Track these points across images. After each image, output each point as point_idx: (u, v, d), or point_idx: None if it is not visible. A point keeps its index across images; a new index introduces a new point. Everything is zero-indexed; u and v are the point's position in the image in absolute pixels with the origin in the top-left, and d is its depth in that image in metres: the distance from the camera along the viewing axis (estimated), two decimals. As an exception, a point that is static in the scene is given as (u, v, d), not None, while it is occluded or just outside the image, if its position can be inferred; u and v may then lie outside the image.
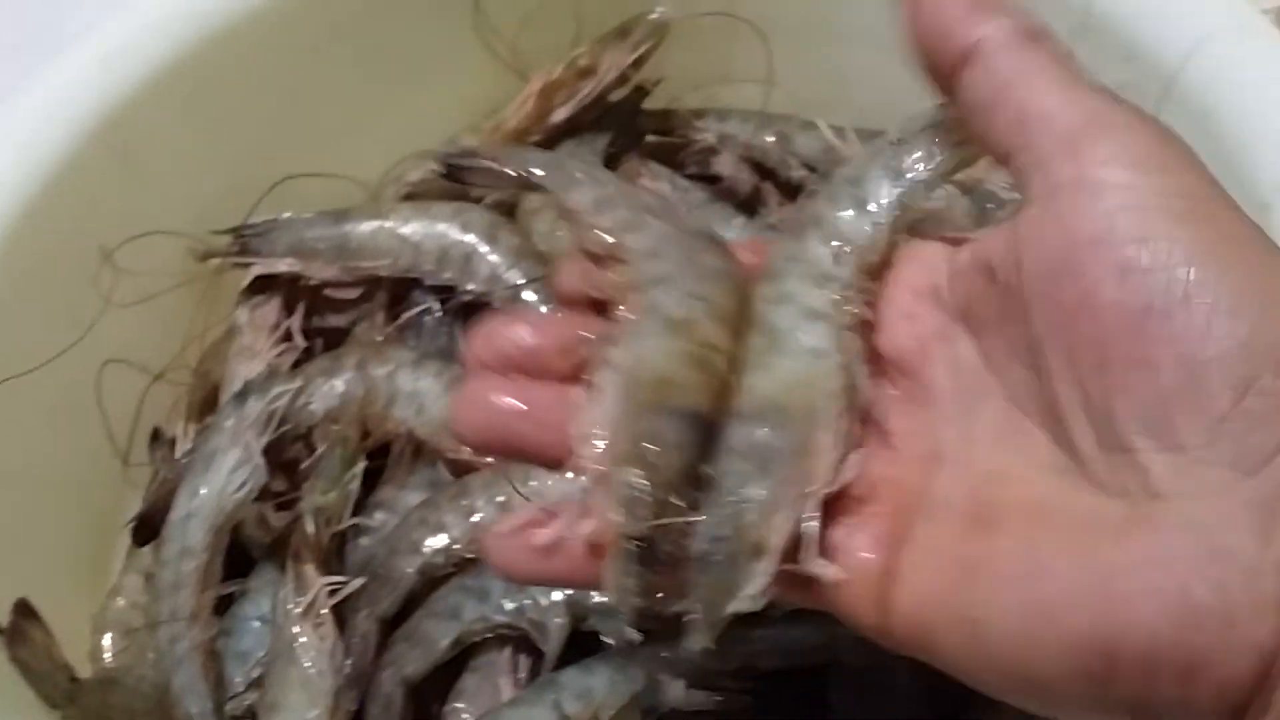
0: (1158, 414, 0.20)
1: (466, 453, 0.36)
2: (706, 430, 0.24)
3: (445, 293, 0.39)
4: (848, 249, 0.25)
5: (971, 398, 0.24)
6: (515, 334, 0.25)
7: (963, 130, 0.25)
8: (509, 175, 0.28)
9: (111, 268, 0.37)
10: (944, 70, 0.23)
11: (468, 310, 0.39)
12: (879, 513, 0.23)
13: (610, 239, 0.26)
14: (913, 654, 0.22)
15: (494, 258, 0.39)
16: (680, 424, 0.23)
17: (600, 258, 0.26)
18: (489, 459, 0.35)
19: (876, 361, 0.25)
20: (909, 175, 0.26)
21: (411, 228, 0.39)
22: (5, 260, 0.34)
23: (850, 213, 0.26)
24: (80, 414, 0.36)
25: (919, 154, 0.26)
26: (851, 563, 0.22)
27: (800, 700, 0.31)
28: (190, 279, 0.39)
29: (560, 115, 0.41)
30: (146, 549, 0.36)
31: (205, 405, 0.39)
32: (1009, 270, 0.22)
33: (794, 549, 0.23)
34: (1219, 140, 0.30)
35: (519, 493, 0.33)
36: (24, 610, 0.31)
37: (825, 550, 0.23)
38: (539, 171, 0.28)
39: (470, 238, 0.39)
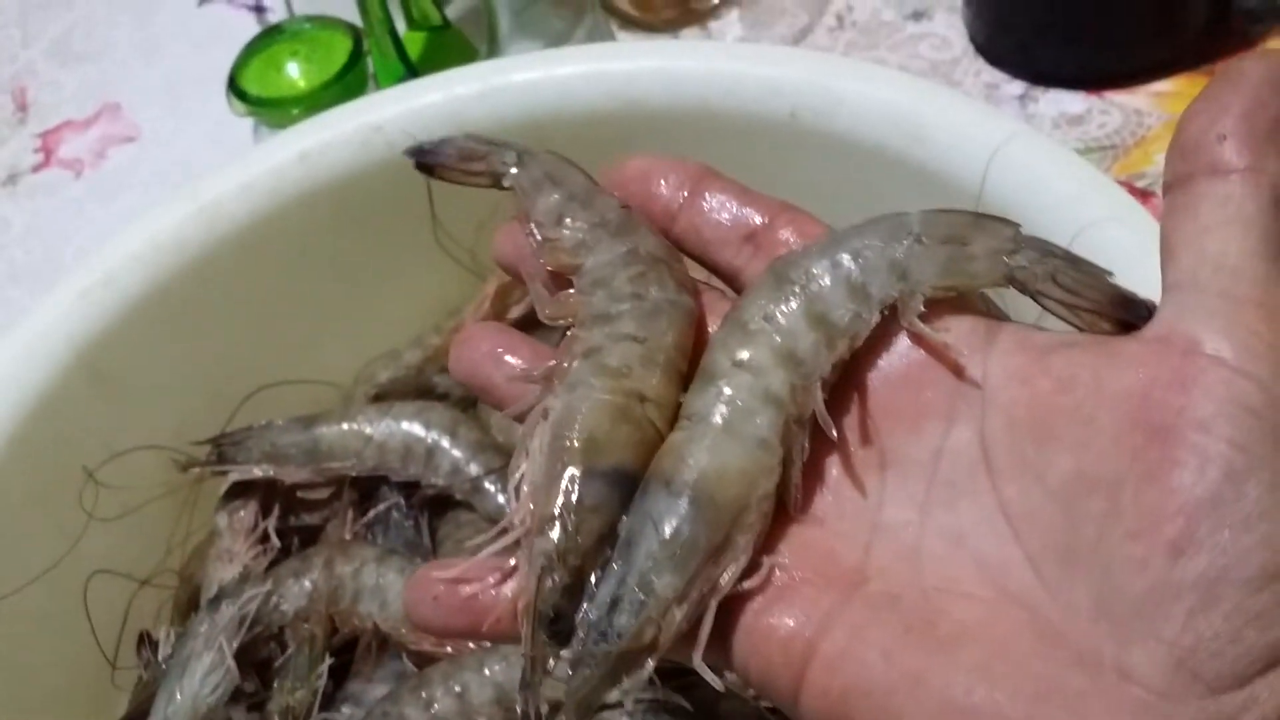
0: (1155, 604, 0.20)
1: (429, 643, 0.37)
2: (632, 485, 0.24)
3: (411, 489, 0.41)
4: (829, 339, 0.24)
5: (952, 487, 0.23)
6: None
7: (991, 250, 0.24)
8: (479, 149, 0.29)
9: (94, 485, 0.39)
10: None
11: (433, 504, 0.41)
12: (809, 583, 0.23)
13: (564, 258, 0.27)
14: None
15: (455, 452, 0.41)
16: (604, 485, 0.23)
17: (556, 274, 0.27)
18: (448, 649, 0.37)
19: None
20: (916, 277, 0.24)
21: (376, 428, 0.41)
22: (-3, 484, 0.37)
23: (843, 295, 0.25)
24: (69, 622, 0.38)
25: (933, 259, 0.25)
26: (769, 630, 0.22)
27: None
28: (172, 489, 0.42)
29: (515, 313, 0.44)
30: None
31: (189, 606, 0.41)
32: (1085, 392, 0.22)
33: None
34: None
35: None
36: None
37: (739, 611, 0.22)
38: (510, 158, 0.29)
39: (432, 435, 0.41)
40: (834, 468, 0.24)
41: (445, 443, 0.41)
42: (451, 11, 0.52)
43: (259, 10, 0.67)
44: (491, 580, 0.24)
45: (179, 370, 0.41)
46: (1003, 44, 0.56)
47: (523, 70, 0.42)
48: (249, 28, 0.66)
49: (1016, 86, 0.54)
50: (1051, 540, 0.22)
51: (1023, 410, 0.23)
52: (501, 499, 0.39)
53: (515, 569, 0.24)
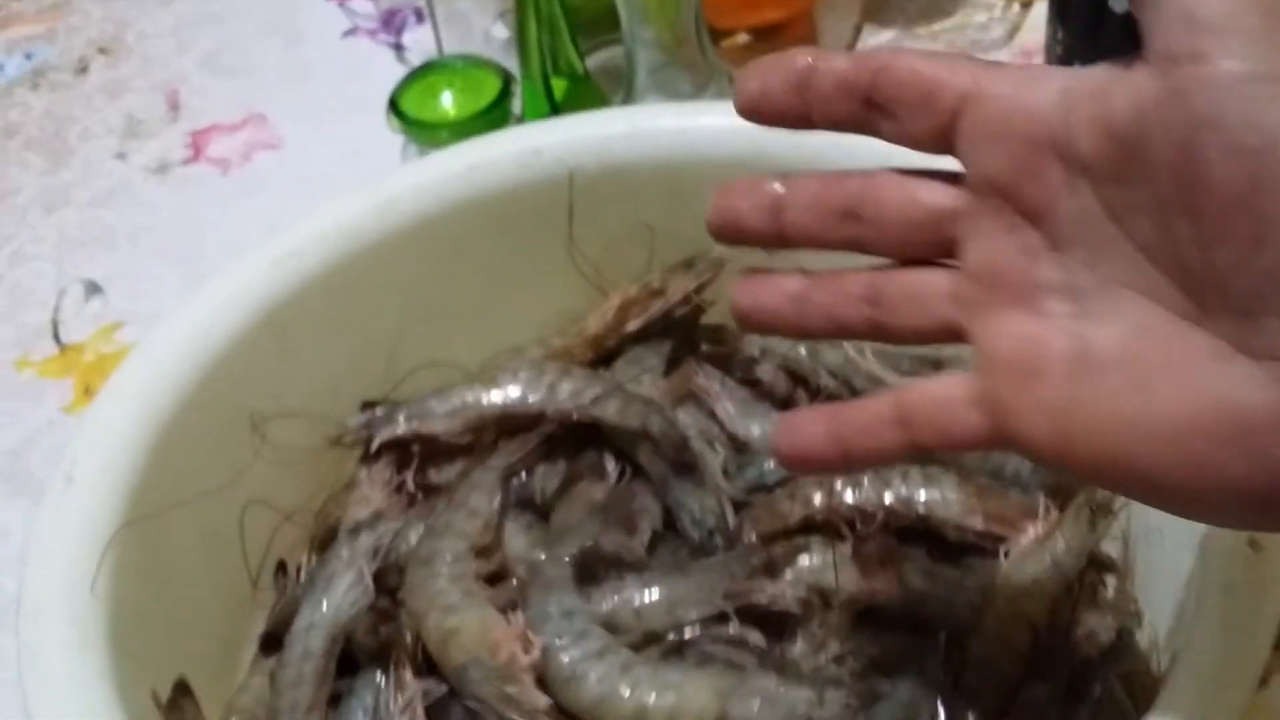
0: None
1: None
2: None
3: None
4: None
5: (1094, 241, 0.25)
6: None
7: None
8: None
9: (260, 430, 0.45)
10: None
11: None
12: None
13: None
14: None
15: (570, 383, 0.46)
16: None
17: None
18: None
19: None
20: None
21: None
22: (184, 415, 0.42)
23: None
24: (225, 541, 0.44)
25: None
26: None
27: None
28: (322, 445, 0.48)
29: (633, 325, 0.50)
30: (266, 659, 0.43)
31: (323, 543, 0.47)
32: (1133, 133, 0.24)
33: None
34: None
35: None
36: (182, 688, 0.38)
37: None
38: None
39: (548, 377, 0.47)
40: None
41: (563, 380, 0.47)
42: (591, 63, 0.59)
43: (398, 48, 0.74)
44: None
45: (344, 343, 0.48)
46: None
47: (667, 118, 0.49)
48: (387, 61, 0.73)
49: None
50: (1175, 259, 0.24)
51: (1102, 161, 0.25)
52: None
53: None
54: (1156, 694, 0.33)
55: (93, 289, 0.63)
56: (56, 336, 0.61)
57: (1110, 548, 0.42)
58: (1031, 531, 0.41)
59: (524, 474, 0.46)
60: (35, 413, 0.58)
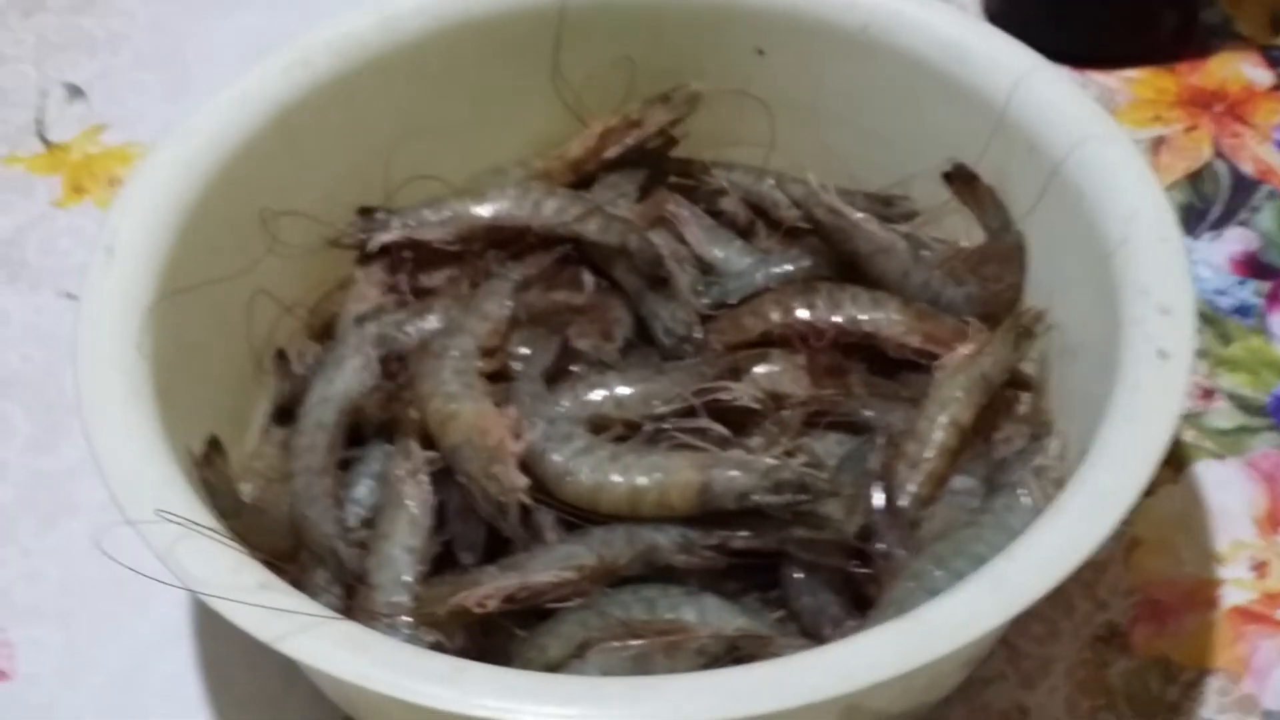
0: None
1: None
2: None
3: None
4: None
5: None
6: None
7: None
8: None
9: (270, 227, 0.49)
10: None
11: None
12: None
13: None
14: None
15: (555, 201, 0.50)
16: None
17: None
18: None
19: None
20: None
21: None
22: (204, 209, 0.45)
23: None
24: (234, 323, 0.48)
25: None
26: None
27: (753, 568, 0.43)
28: (321, 245, 0.51)
29: (611, 153, 0.54)
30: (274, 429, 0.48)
31: (319, 335, 0.51)
32: None
33: None
34: (1083, 206, 0.43)
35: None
36: (214, 444, 0.43)
37: None
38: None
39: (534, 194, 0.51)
40: None
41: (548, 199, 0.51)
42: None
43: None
44: None
45: (345, 151, 0.51)
46: (1010, 18, 0.67)
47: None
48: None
49: (1018, 53, 0.66)
50: None
51: None
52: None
53: None
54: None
55: (75, 92, 0.65)
56: (42, 135, 0.63)
57: (1029, 368, 0.48)
58: (963, 350, 0.47)
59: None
60: (27, 204, 0.60)
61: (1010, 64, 0.47)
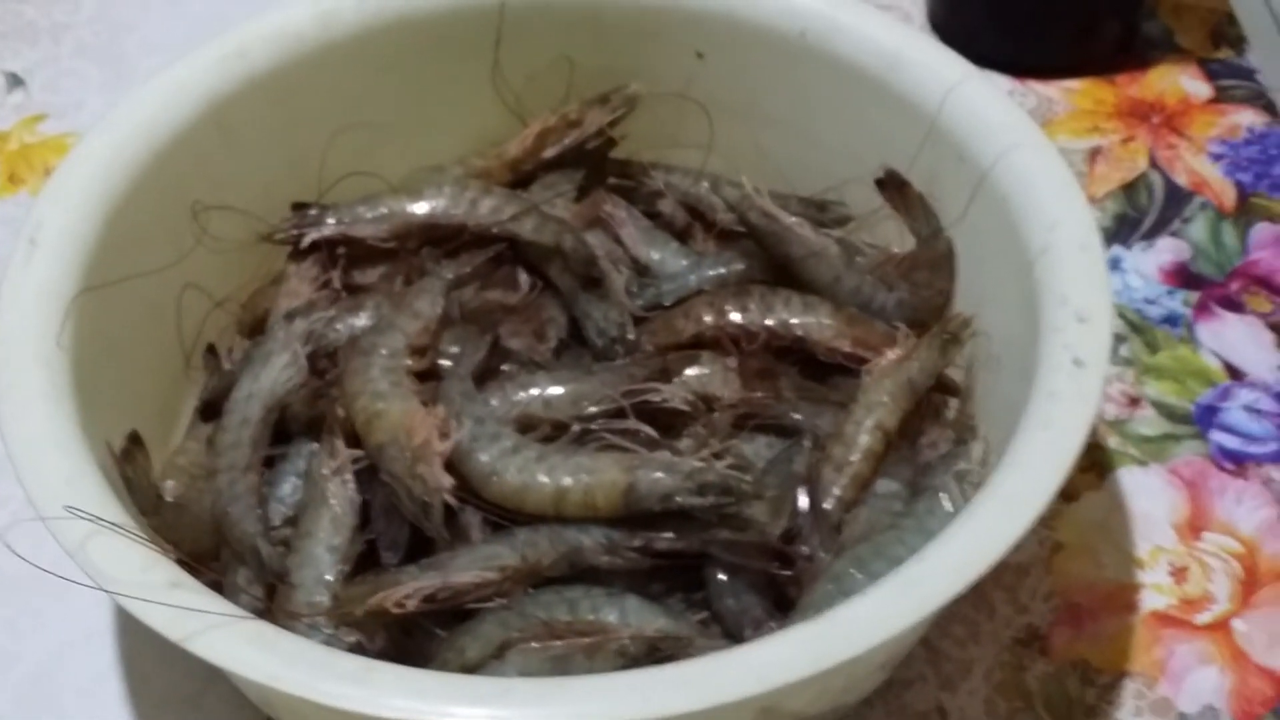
0: None
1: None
2: None
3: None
4: None
5: None
6: None
7: None
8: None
9: (201, 220, 0.48)
10: None
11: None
12: None
13: None
14: None
15: (491, 200, 0.50)
16: None
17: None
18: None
19: None
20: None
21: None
22: (133, 200, 0.45)
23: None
24: (163, 318, 0.48)
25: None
26: None
27: (679, 570, 0.43)
28: (254, 240, 0.51)
29: (549, 153, 0.54)
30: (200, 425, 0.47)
31: (250, 331, 0.51)
32: None
33: None
34: (1009, 213, 0.44)
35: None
36: (135, 439, 0.42)
37: None
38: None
39: (470, 193, 0.50)
40: None
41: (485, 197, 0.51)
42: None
43: None
44: None
45: (280, 145, 0.51)
46: (953, 26, 0.68)
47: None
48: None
49: (960, 61, 0.66)
50: None
51: None
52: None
53: None
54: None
55: (14, 81, 0.65)
56: (-22, 124, 0.63)
57: (956, 374, 0.48)
58: (891, 355, 0.47)
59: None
60: (-39, 195, 0.60)
61: (942, 73, 0.48)
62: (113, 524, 0.35)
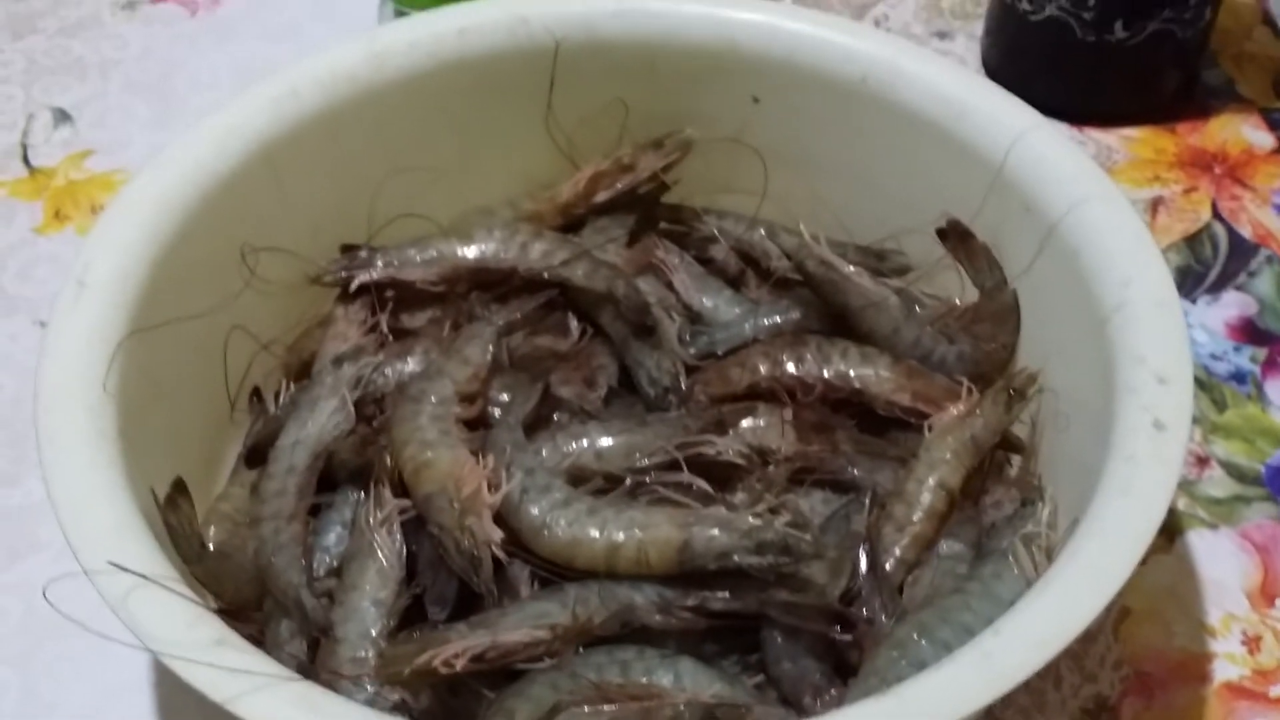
0: None
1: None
2: None
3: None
4: None
5: None
6: None
7: None
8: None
9: (249, 261, 0.48)
10: None
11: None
12: None
13: None
14: None
15: (542, 244, 0.49)
16: None
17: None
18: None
19: None
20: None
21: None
22: (183, 241, 0.44)
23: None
24: (210, 359, 0.47)
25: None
26: None
27: (733, 631, 0.42)
28: (302, 281, 0.50)
29: (601, 197, 0.53)
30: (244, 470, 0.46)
31: (296, 374, 0.50)
32: None
33: None
34: (1080, 268, 0.42)
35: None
36: (179, 486, 0.41)
37: None
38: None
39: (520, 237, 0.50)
40: None
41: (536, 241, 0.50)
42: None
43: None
44: None
45: (331, 187, 0.50)
46: (1008, 73, 0.66)
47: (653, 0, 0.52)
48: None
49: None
50: None
51: None
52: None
53: None
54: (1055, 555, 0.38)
55: (61, 116, 0.64)
56: (26, 159, 0.62)
57: (1020, 431, 0.47)
58: (953, 410, 0.46)
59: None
60: (7, 231, 0.59)
61: (1008, 121, 0.46)
62: (157, 580, 0.34)
